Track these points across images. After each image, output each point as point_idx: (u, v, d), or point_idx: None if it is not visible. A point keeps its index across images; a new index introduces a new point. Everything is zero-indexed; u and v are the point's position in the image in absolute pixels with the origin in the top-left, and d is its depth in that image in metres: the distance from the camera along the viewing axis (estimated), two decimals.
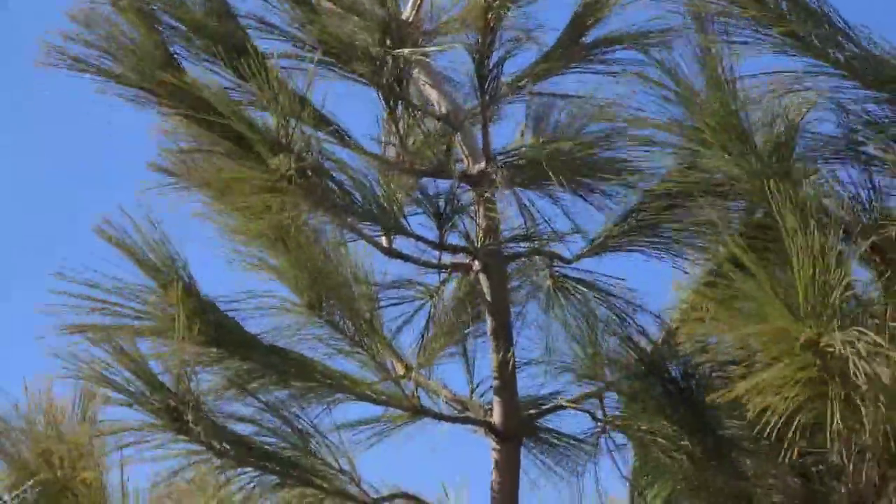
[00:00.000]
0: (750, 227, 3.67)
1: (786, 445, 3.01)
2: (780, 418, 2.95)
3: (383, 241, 4.17)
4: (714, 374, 3.82)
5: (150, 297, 3.84)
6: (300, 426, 3.88)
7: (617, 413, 4.21)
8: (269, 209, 3.74)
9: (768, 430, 2.96)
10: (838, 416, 2.93)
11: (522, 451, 4.28)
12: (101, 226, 3.88)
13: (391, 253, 4.18)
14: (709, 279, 3.85)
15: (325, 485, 3.86)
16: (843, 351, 2.87)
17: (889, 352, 2.88)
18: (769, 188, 3.15)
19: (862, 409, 2.97)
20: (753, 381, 2.94)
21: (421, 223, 4.13)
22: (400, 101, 4.16)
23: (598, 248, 4.26)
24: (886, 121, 3.49)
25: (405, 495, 4.07)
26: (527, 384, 4.28)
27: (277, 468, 3.79)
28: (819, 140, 3.61)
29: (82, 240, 3.97)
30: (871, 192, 3.58)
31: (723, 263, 3.38)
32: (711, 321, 3.05)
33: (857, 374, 2.86)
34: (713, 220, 3.93)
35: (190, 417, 3.56)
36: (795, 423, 2.96)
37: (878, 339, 2.86)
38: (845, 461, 3.24)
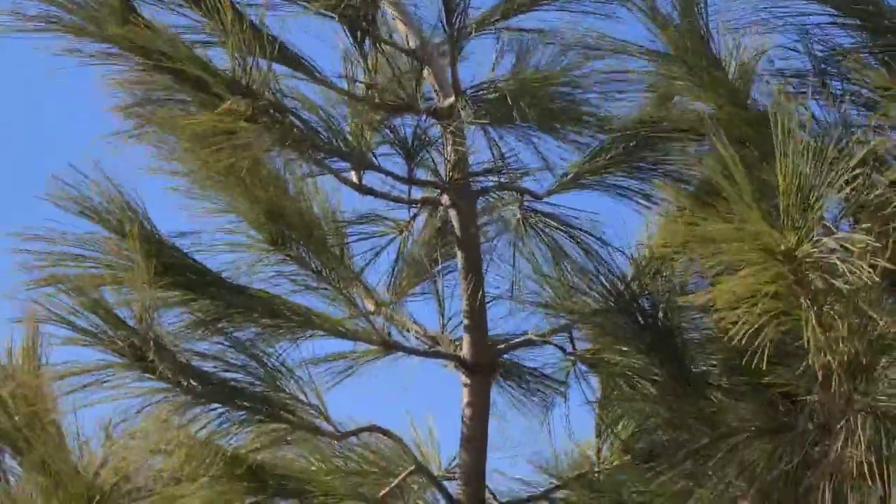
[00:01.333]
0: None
1: (754, 359, 2.93)
2: (749, 329, 2.88)
3: (352, 177, 4.09)
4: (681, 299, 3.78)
5: (110, 244, 3.72)
6: (268, 363, 3.79)
7: (586, 347, 4.15)
8: (229, 150, 3.65)
9: (737, 340, 2.88)
10: (812, 328, 2.86)
11: (493, 385, 4.21)
12: (53, 178, 3.76)
13: (360, 189, 4.09)
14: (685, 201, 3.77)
15: (293, 419, 3.77)
16: (819, 257, 2.79)
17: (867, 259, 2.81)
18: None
19: (835, 322, 2.90)
20: (725, 288, 2.85)
21: (387, 157, 4.06)
22: (368, 36, 4.06)
23: (569, 184, 4.19)
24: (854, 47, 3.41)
25: (375, 428, 3.99)
26: (497, 320, 4.23)
27: (245, 404, 3.69)
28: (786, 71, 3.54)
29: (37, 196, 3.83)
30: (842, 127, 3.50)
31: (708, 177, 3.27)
32: (689, 227, 2.95)
33: (834, 278, 2.79)
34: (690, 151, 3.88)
35: (153, 355, 3.45)
36: (763, 335, 2.89)
37: (860, 238, 2.79)
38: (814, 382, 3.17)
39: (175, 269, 3.73)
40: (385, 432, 4.01)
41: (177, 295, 3.72)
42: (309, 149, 3.83)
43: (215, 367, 3.70)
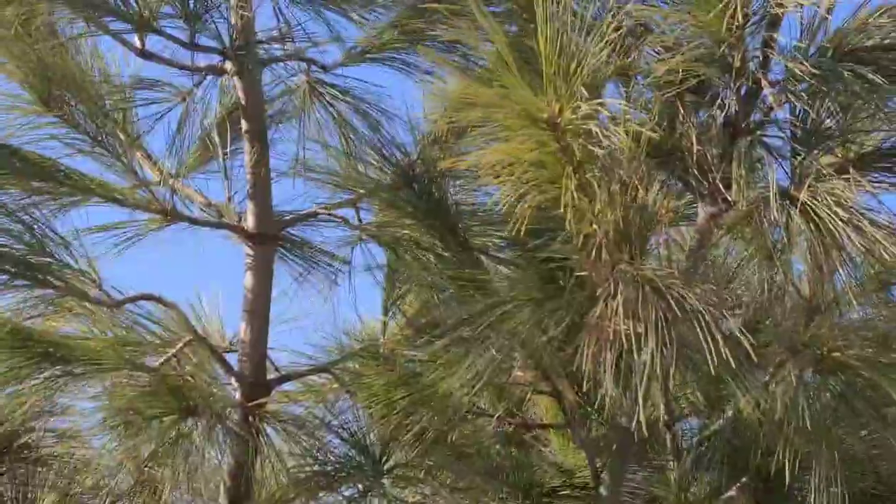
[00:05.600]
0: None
1: (516, 222, 2.78)
2: (511, 196, 2.73)
3: (134, 40, 3.84)
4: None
5: None
6: (35, 227, 3.52)
7: (372, 221, 3.98)
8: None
9: (501, 206, 2.74)
10: (572, 196, 2.73)
11: (278, 260, 4.02)
12: None
13: (142, 53, 3.82)
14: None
15: (61, 285, 3.52)
16: (582, 124, 2.64)
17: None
18: None
19: (597, 190, 2.77)
20: (490, 155, 2.69)
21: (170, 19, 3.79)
22: None
23: (357, 57, 4.00)
24: None
25: (150, 297, 3.76)
26: (284, 195, 4.04)
27: (6, 267, 3.43)
28: None
29: None
30: None
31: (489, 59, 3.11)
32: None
33: (599, 140, 2.64)
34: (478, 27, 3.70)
35: None
36: (526, 200, 2.75)
37: (625, 106, 2.64)
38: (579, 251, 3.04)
39: None
40: (162, 301, 3.78)
41: None
42: (86, 7, 3.55)
43: None
